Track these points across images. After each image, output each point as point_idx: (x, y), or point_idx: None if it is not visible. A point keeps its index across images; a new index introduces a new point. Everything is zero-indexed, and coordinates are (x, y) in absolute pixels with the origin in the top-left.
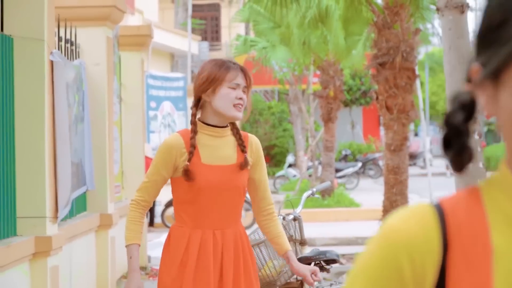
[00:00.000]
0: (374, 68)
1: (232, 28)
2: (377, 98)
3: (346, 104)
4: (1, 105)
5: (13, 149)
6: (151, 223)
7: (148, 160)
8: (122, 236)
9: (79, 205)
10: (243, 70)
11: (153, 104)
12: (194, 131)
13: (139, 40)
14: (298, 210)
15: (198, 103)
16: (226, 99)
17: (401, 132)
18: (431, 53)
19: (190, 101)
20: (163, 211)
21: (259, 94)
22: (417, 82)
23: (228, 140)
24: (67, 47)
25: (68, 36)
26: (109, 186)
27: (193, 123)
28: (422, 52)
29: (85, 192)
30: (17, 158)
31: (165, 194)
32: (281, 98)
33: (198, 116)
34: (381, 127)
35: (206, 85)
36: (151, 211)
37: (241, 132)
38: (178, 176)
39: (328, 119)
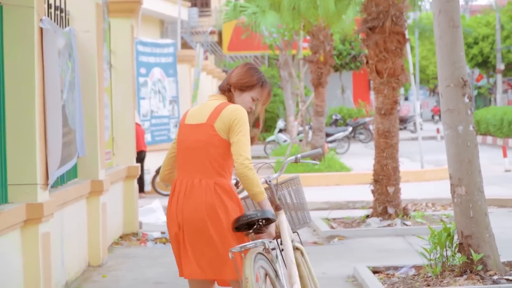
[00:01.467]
0: (364, 33)
1: None
2: (367, 62)
3: (336, 69)
4: None
5: (3, 117)
6: (141, 189)
7: (137, 126)
8: (113, 202)
9: (70, 172)
10: (266, 88)
11: (143, 71)
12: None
13: (129, 6)
14: (275, 175)
15: (228, 88)
16: (244, 103)
17: (391, 96)
18: (420, 18)
19: (180, 68)
20: (154, 176)
21: (249, 59)
22: (407, 46)
23: None
24: (57, 14)
25: (57, 3)
26: (99, 152)
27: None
28: (411, 17)
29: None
30: (8, 125)
31: (156, 160)
32: (271, 63)
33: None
34: (371, 91)
35: (239, 85)
36: (141, 178)
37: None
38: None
39: (318, 84)
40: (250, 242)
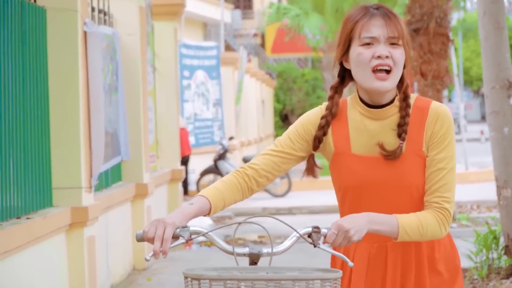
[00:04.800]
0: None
1: None
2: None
3: None
4: (35, 76)
5: (47, 120)
6: (186, 192)
7: (182, 131)
8: (158, 205)
9: (115, 175)
10: (385, 16)
11: (186, 73)
12: (330, 109)
13: (172, 9)
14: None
15: (342, 72)
16: (359, 63)
17: (436, 97)
18: (463, 19)
19: (223, 70)
20: (198, 179)
21: (292, 61)
22: (451, 48)
23: (391, 121)
24: (100, 17)
25: (101, 6)
26: (144, 155)
27: (330, 97)
28: (454, 18)
29: (120, 162)
30: (52, 129)
31: (200, 162)
32: (315, 65)
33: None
34: (415, 93)
35: (340, 47)
36: (185, 180)
37: (422, 102)
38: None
39: None
40: None
